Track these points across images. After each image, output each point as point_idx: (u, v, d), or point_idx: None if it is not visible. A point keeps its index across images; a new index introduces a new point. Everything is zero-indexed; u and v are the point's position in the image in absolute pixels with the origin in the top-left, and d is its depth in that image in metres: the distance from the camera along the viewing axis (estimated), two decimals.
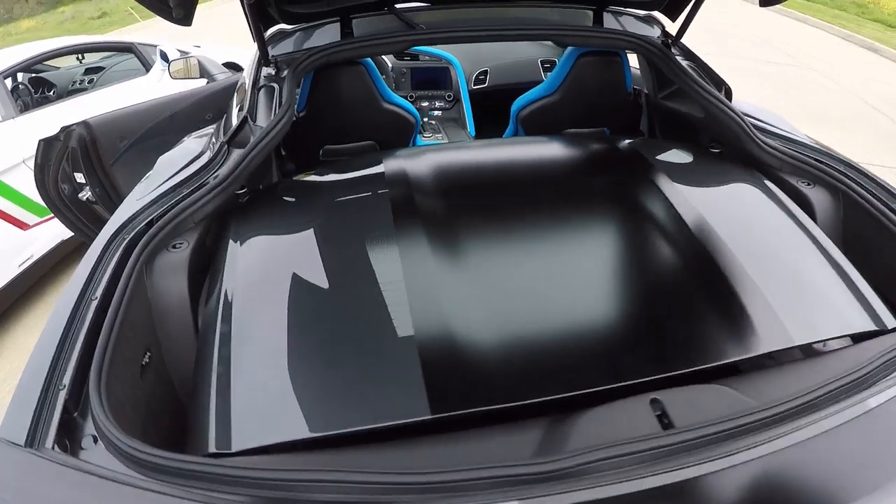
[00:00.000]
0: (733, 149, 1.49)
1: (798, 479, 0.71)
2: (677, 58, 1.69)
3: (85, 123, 1.85)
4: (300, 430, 0.79)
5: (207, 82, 2.95)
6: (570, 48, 1.95)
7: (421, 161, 1.39)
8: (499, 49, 3.02)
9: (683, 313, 1.03)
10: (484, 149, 1.76)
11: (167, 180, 1.29)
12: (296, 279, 1.03)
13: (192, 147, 1.54)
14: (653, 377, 0.85)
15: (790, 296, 1.01)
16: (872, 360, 0.81)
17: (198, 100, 2.18)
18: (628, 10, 1.80)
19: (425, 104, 2.96)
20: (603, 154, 1.55)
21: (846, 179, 1.26)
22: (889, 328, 0.97)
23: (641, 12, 1.82)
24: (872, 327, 0.97)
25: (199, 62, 2.76)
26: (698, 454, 0.70)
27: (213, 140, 1.55)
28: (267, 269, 1.08)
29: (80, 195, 1.96)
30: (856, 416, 0.75)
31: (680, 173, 1.35)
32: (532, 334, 0.98)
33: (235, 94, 1.84)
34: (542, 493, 0.66)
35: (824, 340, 1.00)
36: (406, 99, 2.10)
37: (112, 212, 1.88)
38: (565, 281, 1.09)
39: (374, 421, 0.80)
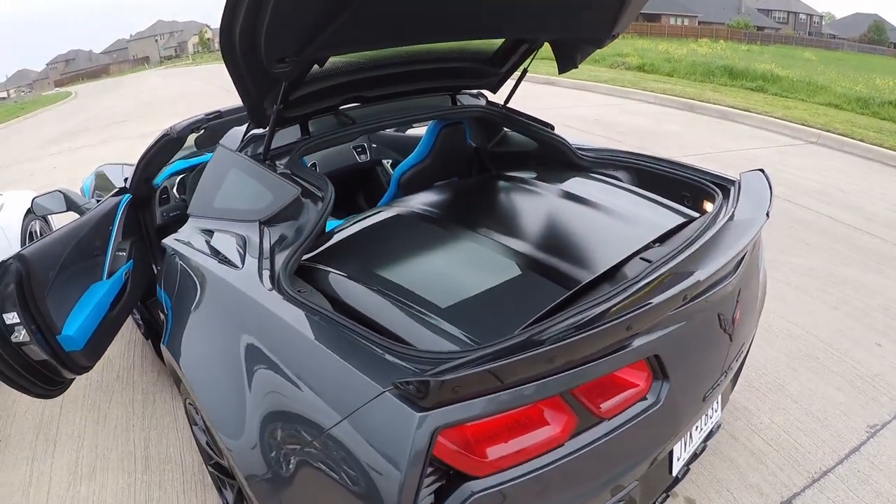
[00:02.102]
0: (562, 161, 2.37)
1: None
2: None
3: (19, 256, 1.73)
4: None
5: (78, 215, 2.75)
6: (431, 123, 2.49)
7: (408, 204, 1.99)
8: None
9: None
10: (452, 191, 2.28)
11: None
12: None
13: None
14: None
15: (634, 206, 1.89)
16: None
17: (91, 228, 2.11)
18: (469, 90, 2.50)
19: None
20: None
21: (629, 161, 2.24)
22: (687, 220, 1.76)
23: (475, 91, 2.52)
24: (680, 220, 1.75)
25: (63, 195, 2.69)
26: None
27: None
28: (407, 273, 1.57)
29: (12, 337, 1.76)
30: None
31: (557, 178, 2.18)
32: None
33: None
34: None
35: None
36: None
37: (47, 349, 1.84)
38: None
39: None
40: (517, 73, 2.38)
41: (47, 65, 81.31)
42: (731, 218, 1.58)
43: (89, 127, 11.92)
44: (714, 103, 8.97)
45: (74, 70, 68.72)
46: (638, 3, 1.83)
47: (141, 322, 2.70)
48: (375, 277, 1.49)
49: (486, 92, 2.56)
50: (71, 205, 2.72)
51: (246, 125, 1.99)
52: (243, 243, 1.61)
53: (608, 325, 1.04)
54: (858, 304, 3.16)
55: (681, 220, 1.77)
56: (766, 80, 10.91)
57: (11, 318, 1.75)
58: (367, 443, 1.02)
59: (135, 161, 2.46)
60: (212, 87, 17.03)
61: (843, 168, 5.99)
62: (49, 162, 8.34)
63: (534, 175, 2.24)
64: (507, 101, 2.48)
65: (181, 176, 2.80)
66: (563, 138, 2.37)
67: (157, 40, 79.34)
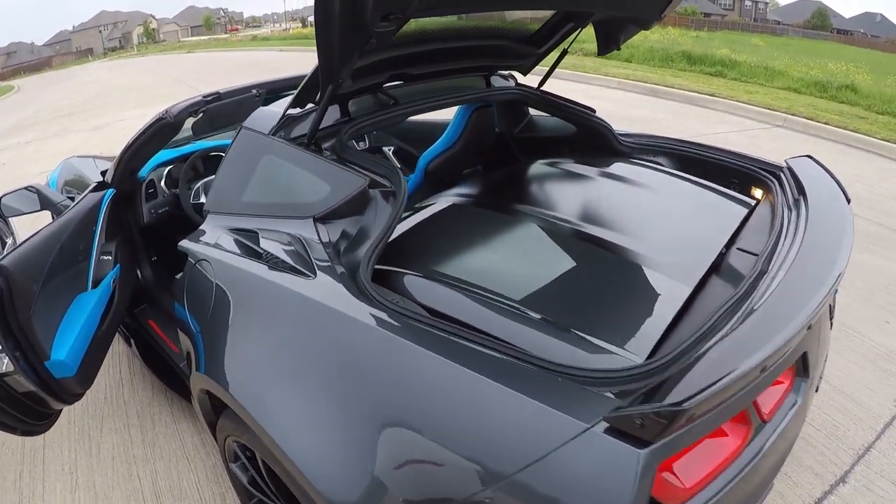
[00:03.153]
0: (602, 147, 2.26)
1: None
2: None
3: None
4: None
5: (52, 214, 2.48)
6: (461, 107, 2.33)
7: (460, 193, 1.91)
8: None
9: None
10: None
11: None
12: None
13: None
14: None
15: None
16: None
17: (73, 229, 1.82)
18: (500, 71, 2.39)
19: None
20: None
21: (672, 147, 2.17)
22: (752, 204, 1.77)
23: (506, 73, 2.42)
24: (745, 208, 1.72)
25: (36, 192, 2.37)
26: None
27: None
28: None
29: None
30: None
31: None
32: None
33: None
34: None
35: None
36: None
37: (34, 379, 1.55)
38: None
39: None
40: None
41: None
42: (805, 205, 1.51)
43: (37, 120, 11.16)
44: (678, 88, 9.08)
45: (16, 63, 64.40)
46: None
47: (128, 333, 2.43)
48: (461, 278, 1.32)
49: (516, 74, 2.44)
50: (46, 203, 2.40)
51: (271, 105, 1.76)
52: (302, 246, 1.38)
53: (807, 325, 0.96)
54: (861, 286, 3.20)
55: (745, 208, 1.71)
56: (725, 65, 11.13)
57: None
58: (568, 492, 0.84)
59: (102, 153, 2.15)
60: (160, 77, 16.32)
61: (813, 151, 6.05)
62: None
63: (574, 161, 2.14)
64: (542, 83, 2.36)
65: (169, 167, 2.52)
66: (606, 122, 2.27)
67: (100, 31, 75.57)
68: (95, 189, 2.10)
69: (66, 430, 2.26)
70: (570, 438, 0.85)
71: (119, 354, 2.73)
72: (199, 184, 2.50)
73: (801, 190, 1.63)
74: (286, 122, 1.68)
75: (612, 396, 0.91)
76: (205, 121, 2.23)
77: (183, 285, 1.62)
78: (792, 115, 7.39)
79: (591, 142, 2.29)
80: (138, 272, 2.47)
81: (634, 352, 1.10)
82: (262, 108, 1.81)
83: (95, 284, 1.89)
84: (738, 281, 1.27)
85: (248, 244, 1.49)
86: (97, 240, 1.94)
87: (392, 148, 3.24)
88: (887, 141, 6.32)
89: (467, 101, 2.22)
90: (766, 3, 63.91)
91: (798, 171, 1.76)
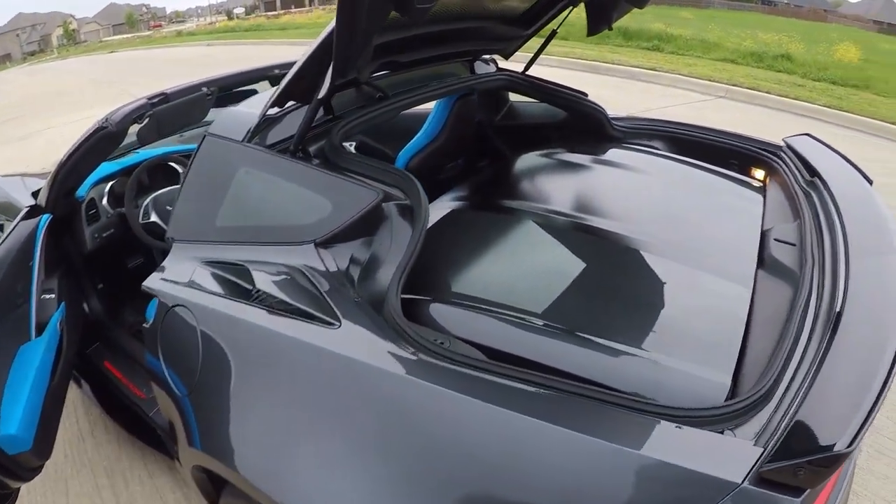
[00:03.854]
0: (594, 132, 2.14)
1: None
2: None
3: None
4: None
5: None
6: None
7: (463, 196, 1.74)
8: None
9: None
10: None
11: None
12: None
13: None
14: None
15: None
16: None
17: (7, 269, 1.57)
18: (485, 56, 2.26)
19: None
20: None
21: (666, 130, 2.10)
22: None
23: (487, 57, 2.29)
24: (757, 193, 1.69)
25: None
26: None
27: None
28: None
29: None
30: None
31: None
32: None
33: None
34: None
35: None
36: None
37: None
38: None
39: None
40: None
41: None
42: (825, 187, 1.45)
43: None
44: (618, 64, 9.18)
45: None
46: None
47: (76, 373, 2.15)
48: (493, 300, 1.15)
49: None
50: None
51: (240, 104, 1.53)
52: (308, 281, 1.16)
53: None
54: None
55: (758, 192, 1.66)
56: (661, 39, 11.36)
57: None
58: None
59: (32, 171, 1.87)
60: (84, 80, 15.28)
61: (760, 120, 6.29)
62: None
63: (568, 150, 2.02)
64: (527, 66, 2.23)
65: (111, 183, 2.24)
66: (599, 106, 2.17)
67: (18, 35, 70.03)
68: (28, 215, 1.82)
69: (26, 500, 2.00)
70: (721, 500, 0.73)
71: (73, 400, 2.45)
72: (147, 199, 2.21)
73: (811, 171, 1.57)
74: (266, 124, 1.45)
75: (734, 436, 0.79)
76: (151, 126, 1.92)
77: (155, 334, 1.36)
78: (733, 85, 7.59)
79: (583, 127, 2.18)
80: (84, 305, 2.21)
81: (717, 371, 0.98)
82: (228, 109, 1.57)
83: (40, 331, 1.63)
84: (788, 276, 1.18)
85: (236, 281, 1.26)
86: (36, 277, 1.67)
87: (354, 143, 3.01)
88: (828, 107, 6.57)
89: (455, 90, 2.04)
90: None
91: (800, 150, 1.71)
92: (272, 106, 1.42)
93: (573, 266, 1.30)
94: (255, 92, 2.32)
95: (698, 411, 0.83)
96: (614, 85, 8.11)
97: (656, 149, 2.04)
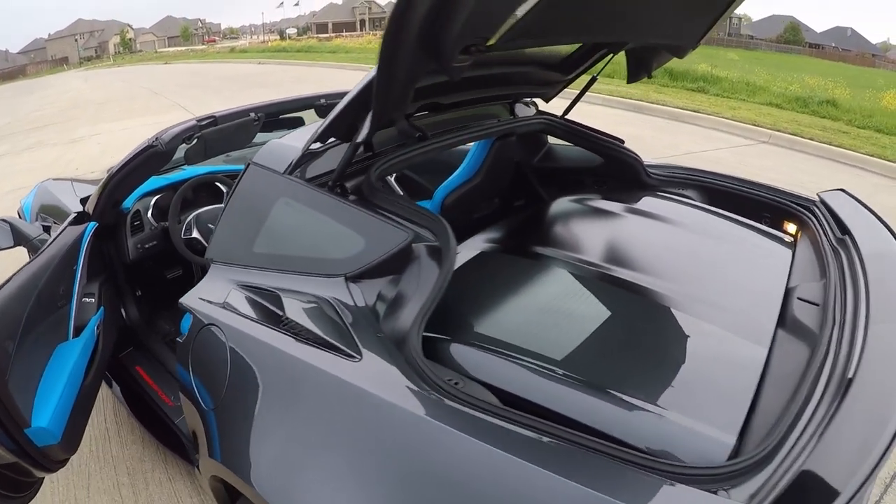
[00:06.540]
0: (629, 179, 2.17)
1: None
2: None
3: None
4: None
5: (29, 250, 2.27)
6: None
7: (488, 238, 1.77)
8: None
9: None
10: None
11: None
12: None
13: None
14: None
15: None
16: None
17: (52, 271, 1.64)
18: (525, 100, 2.31)
19: None
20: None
21: (701, 180, 2.10)
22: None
23: (528, 100, 2.34)
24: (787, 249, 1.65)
25: (9, 226, 2.14)
26: None
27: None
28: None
29: None
30: None
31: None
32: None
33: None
34: None
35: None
36: None
37: (14, 449, 1.35)
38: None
39: None
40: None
41: None
42: (854, 246, 1.44)
43: (11, 132, 10.77)
44: (662, 105, 9.15)
45: None
46: (726, 15, 1.66)
47: (109, 375, 2.24)
48: (514, 344, 1.18)
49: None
50: (20, 238, 2.19)
51: (285, 135, 1.60)
52: (336, 313, 1.21)
53: None
54: None
55: (787, 248, 1.64)
56: (707, 80, 11.29)
57: None
58: None
59: (82, 174, 1.97)
60: (137, 89, 16.00)
61: (802, 167, 6.18)
62: None
63: (602, 197, 2.04)
64: (567, 111, 2.27)
65: (157, 197, 2.35)
66: (635, 154, 2.18)
67: (76, 40, 74.24)
68: (75, 221, 1.93)
69: (49, 491, 2.07)
70: None
71: (103, 399, 2.54)
72: (190, 216, 2.31)
73: (842, 228, 1.56)
74: (307, 158, 1.52)
75: (728, 497, 0.79)
76: (199, 147, 2.05)
77: (188, 349, 1.43)
78: (777, 131, 7.48)
79: (619, 174, 2.19)
80: (122, 311, 2.30)
81: (723, 430, 0.98)
82: (274, 141, 1.64)
83: (77, 332, 1.72)
84: (806, 336, 1.18)
85: (267, 306, 1.32)
86: (78, 281, 1.77)
87: (395, 174, 3.08)
88: (872, 156, 6.41)
89: (495, 133, 2.08)
90: (740, 19, 65.55)
91: (834, 206, 1.70)
92: (315, 141, 1.49)
93: (593, 316, 1.31)
94: (300, 119, 2.43)
95: (696, 469, 0.83)
96: (658, 126, 8.08)
97: (690, 198, 2.05)
